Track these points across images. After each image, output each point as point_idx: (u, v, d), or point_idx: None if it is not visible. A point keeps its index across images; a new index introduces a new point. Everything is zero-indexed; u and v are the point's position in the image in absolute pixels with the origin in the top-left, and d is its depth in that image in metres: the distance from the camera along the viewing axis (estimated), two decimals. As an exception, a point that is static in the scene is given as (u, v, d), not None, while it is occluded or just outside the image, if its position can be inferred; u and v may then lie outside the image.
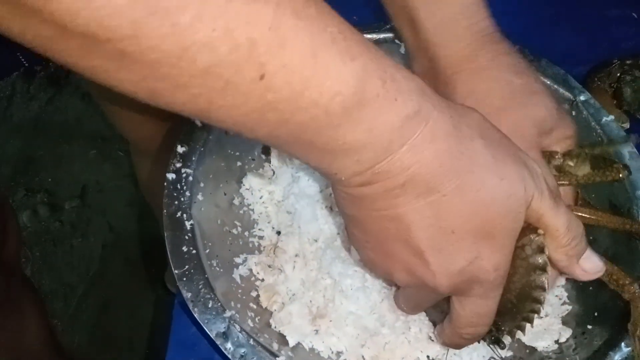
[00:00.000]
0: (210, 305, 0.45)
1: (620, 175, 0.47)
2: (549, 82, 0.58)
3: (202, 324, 0.44)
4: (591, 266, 0.42)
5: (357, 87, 0.31)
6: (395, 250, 0.38)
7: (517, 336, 0.46)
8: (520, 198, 0.37)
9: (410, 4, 0.48)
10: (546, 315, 0.52)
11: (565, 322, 0.52)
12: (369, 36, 0.60)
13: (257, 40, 0.28)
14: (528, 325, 0.44)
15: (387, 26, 0.59)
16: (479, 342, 0.48)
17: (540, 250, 0.40)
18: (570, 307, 0.53)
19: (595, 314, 0.51)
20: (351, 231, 0.41)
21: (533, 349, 0.51)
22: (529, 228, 0.39)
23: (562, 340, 0.50)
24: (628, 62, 0.69)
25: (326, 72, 0.30)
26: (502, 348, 0.46)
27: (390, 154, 0.33)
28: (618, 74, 0.68)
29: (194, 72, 0.28)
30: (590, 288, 0.53)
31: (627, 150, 0.54)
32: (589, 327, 0.50)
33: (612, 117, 0.56)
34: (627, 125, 0.65)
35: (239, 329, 0.44)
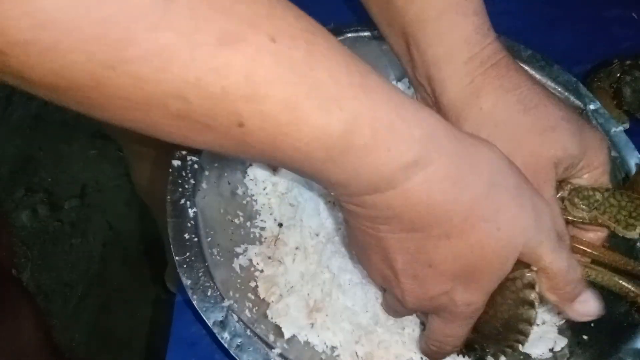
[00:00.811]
0: (209, 294, 0.45)
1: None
2: (559, 90, 0.57)
3: (200, 312, 0.44)
4: (586, 310, 0.41)
5: (341, 137, 0.30)
6: (375, 260, 0.38)
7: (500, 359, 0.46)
8: (515, 249, 0.35)
9: (409, 30, 0.43)
10: (543, 323, 0.52)
11: (561, 331, 0.52)
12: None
13: (231, 89, 0.27)
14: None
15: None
16: (463, 357, 0.48)
17: (531, 286, 0.39)
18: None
19: (592, 324, 0.49)
20: (345, 229, 0.42)
21: (527, 356, 0.51)
22: (522, 262, 0.38)
23: (557, 349, 0.50)
24: (628, 62, 0.69)
25: (305, 121, 0.29)
26: None
27: (378, 193, 0.32)
28: (618, 74, 0.68)
29: (167, 117, 0.27)
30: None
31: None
32: (585, 337, 0.50)
33: (621, 127, 0.55)
34: (627, 126, 0.65)
35: (236, 319, 0.44)
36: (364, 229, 0.36)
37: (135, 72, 0.25)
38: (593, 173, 0.44)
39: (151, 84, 0.25)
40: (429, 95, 0.46)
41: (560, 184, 0.46)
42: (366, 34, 0.59)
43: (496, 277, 0.37)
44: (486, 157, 0.35)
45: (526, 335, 0.42)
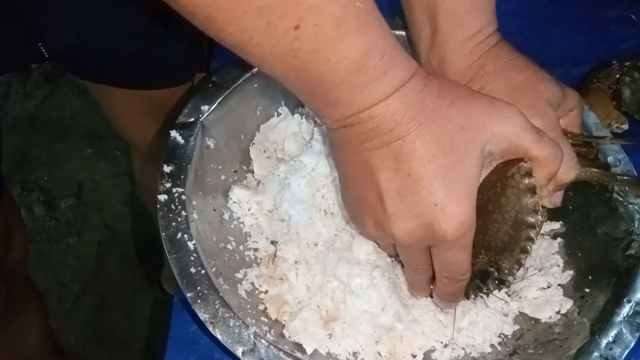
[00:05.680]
0: (231, 324, 0.44)
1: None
2: None
3: (226, 346, 0.43)
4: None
5: (361, 57, 0.37)
6: (365, 196, 0.42)
7: (517, 272, 0.47)
8: (481, 143, 0.41)
9: (440, 19, 0.52)
10: (548, 287, 0.53)
11: (565, 289, 0.53)
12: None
13: None
14: (524, 272, 0.47)
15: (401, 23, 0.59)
16: (481, 292, 0.48)
17: (529, 174, 0.43)
18: (572, 272, 0.54)
19: (590, 277, 0.52)
20: (340, 182, 0.46)
21: (537, 320, 0.52)
22: (516, 159, 0.43)
23: (564, 311, 0.51)
24: (627, 63, 0.69)
25: (343, 38, 0.36)
26: (508, 286, 0.48)
27: (368, 109, 0.39)
28: (617, 75, 0.69)
29: (248, 10, 0.34)
30: (579, 254, 0.54)
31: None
32: (587, 290, 0.51)
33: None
34: (626, 127, 0.66)
35: (266, 344, 0.44)
36: (353, 159, 0.42)
37: None
38: (570, 114, 0.52)
39: None
40: (434, 71, 0.55)
41: None
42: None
43: (471, 176, 0.41)
44: (449, 81, 0.44)
45: (535, 227, 0.45)
